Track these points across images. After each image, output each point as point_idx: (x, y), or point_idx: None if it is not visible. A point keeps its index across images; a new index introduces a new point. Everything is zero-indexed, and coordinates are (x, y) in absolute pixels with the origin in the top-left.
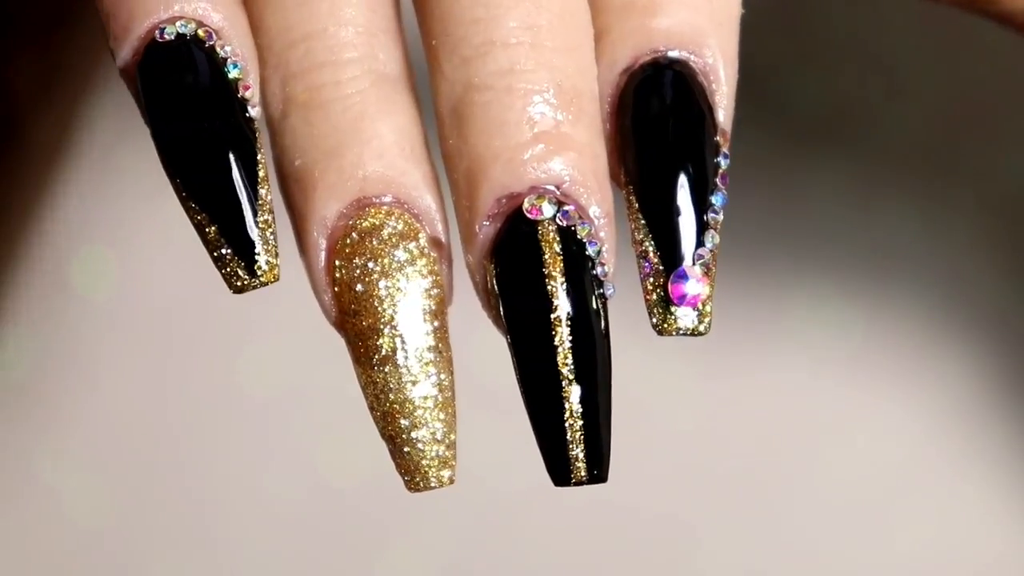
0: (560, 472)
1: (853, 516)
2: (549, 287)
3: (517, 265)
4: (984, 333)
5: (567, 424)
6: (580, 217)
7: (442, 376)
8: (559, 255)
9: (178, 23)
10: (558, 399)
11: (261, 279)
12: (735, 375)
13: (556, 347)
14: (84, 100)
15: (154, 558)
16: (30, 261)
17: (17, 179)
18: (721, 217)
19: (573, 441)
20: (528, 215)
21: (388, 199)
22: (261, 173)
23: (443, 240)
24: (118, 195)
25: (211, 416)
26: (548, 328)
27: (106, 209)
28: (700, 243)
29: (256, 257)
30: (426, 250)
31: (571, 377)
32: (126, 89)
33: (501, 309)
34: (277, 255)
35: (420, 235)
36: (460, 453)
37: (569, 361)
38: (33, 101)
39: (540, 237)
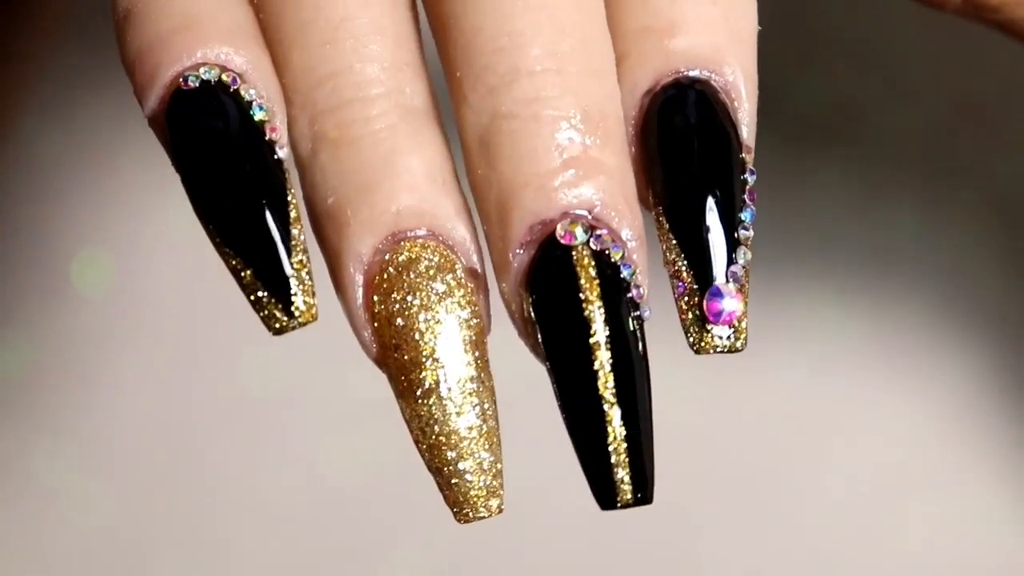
0: (606, 496)
1: (855, 515)
2: (587, 312)
3: (554, 292)
4: (985, 332)
5: (611, 448)
6: (613, 241)
7: (486, 405)
8: (595, 280)
9: (201, 69)
10: (601, 423)
11: (299, 319)
12: (735, 374)
13: (597, 372)
14: (84, 100)
15: (154, 558)
16: (30, 261)
17: (17, 179)
18: (751, 233)
19: (618, 464)
20: (562, 241)
21: (422, 232)
22: (293, 214)
23: (479, 270)
24: (118, 195)
25: (211, 416)
26: (588, 353)
27: (106, 209)
28: (732, 260)
29: (293, 299)
30: (463, 281)
31: (613, 401)
32: (127, 89)
33: (539, 336)
34: (314, 295)
35: (456, 266)
36: None
37: (611, 385)
38: (33, 101)
39: (575, 262)
